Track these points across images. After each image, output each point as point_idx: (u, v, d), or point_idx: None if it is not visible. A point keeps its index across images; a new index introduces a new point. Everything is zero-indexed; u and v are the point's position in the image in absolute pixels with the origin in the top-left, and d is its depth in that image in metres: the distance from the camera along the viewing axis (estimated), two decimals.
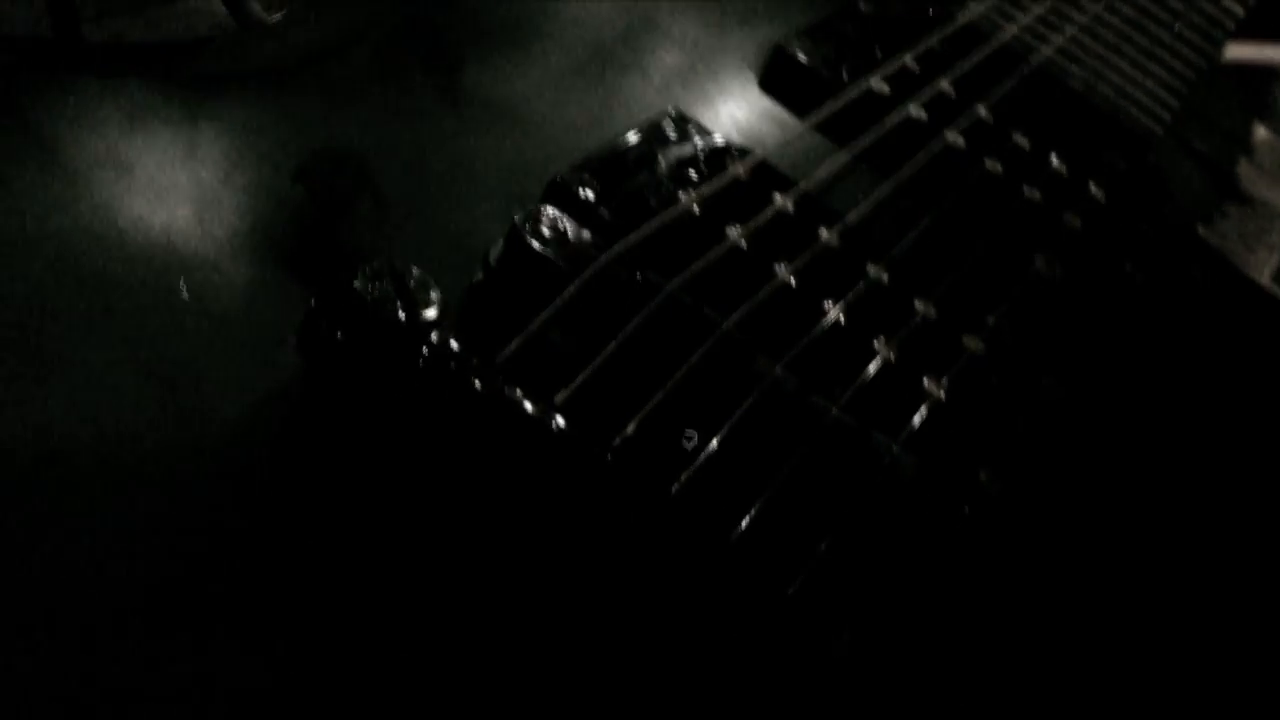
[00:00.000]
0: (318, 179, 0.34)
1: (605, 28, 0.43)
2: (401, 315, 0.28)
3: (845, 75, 0.43)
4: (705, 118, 0.41)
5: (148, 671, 0.24)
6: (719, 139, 0.38)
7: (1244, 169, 0.69)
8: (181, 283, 0.30)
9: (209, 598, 0.25)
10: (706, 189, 0.35)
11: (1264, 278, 0.60)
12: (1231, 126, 0.75)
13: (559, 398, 0.28)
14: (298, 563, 0.26)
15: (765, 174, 0.37)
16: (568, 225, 0.32)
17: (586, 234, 0.32)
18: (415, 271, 0.29)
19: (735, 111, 0.42)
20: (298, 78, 0.37)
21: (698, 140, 0.38)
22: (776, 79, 0.43)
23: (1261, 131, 0.73)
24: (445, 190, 0.35)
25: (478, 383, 0.28)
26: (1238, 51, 0.64)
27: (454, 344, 0.28)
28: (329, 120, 0.36)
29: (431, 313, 0.28)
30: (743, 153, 0.38)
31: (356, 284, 0.28)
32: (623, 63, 0.42)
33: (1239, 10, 0.57)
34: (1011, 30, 0.47)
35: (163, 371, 0.29)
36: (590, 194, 0.34)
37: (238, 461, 0.27)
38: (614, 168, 0.36)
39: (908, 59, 0.44)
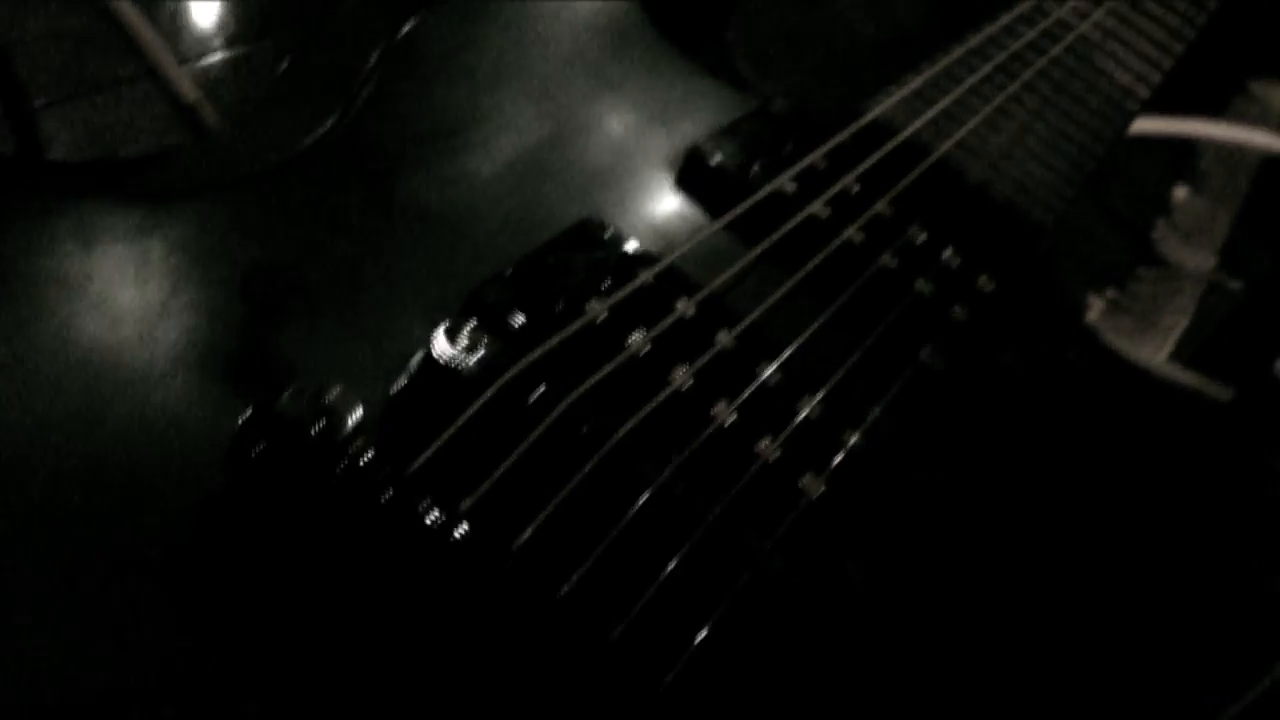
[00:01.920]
0: (256, 292, 0.37)
1: (532, 133, 0.46)
2: (321, 432, 0.31)
3: (755, 174, 0.47)
4: (624, 220, 0.44)
5: None
6: (631, 244, 0.42)
7: (1161, 231, 0.73)
8: None
9: (146, 701, 0.28)
10: (614, 298, 0.39)
11: (1169, 343, 0.64)
12: (1153, 188, 0.79)
13: (464, 505, 0.32)
14: (228, 664, 0.30)
15: (672, 279, 0.41)
16: (484, 337, 0.36)
17: (501, 345, 0.36)
18: (337, 389, 0.32)
19: (652, 213, 0.45)
20: (241, 191, 0.41)
21: (611, 247, 0.41)
22: (691, 179, 0.47)
23: (1181, 192, 0.76)
24: (375, 299, 0.39)
25: (387, 494, 0.31)
26: (1146, 125, 0.68)
27: (368, 457, 0.32)
28: (269, 232, 0.39)
29: (349, 428, 0.32)
30: (653, 259, 0.41)
31: (281, 404, 0.32)
32: (547, 168, 0.45)
33: (1143, 92, 0.60)
34: (916, 125, 0.51)
35: (105, 482, 0.32)
36: (508, 304, 0.38)
37: (174, 568, 0.31)
38: (531, 278, 0.39)
39: (815, 157, 0.48)
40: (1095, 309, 0.64)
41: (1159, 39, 0.63)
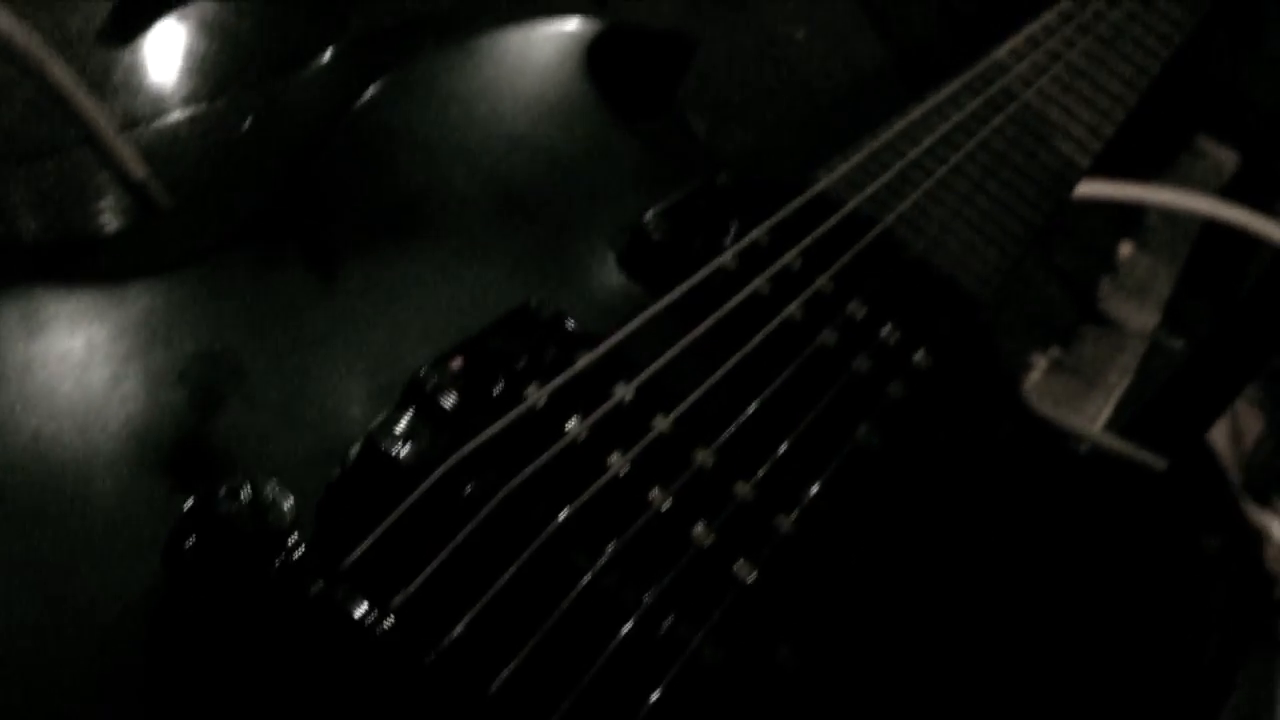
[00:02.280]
0: (197, 380, 0.38)
1: (479, 214, 0.47)
2: (253, 529, 0.32)
3: (698, 251, 0.47)
4: (567, 299, 0.45)
5: None
6: (571, 326, 0.42)
7: (1105, 288, 0.74)
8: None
9: None
10: (552, 384, 0.39)
11: (1110, 404, 0.65)
12: (1100, 243, 0.80)
13: (396, 601, 0.32)
14: None
15: (611, 362, 0.41)
16: (421, 427, 0.36)
17: (438, 436, 0.36)
18: (270, 485, 0.33)
19: (596, 293, 0.46)
20: (188, 274, 0.41)
21: (551, 329, 0.42)
22: (635, 257, 0.48)
23: (1127, 249, 0.78)
24: (316, 385, 0.39)
25: (314, 589, 0.31)
26: (1090, 189, 0.70)
27: (298, 554, 0.32)
28: (214, 318, 0.40)
29: (282, 525, 0.32)
30: (594, 341, 0.42)
31: (215, 499, 0.32)
32: (494, 248, 0.46)
33: (1085, 161, 0.62)
34: (858, 199, 0.52)
35: (41, 576, 0.32)
36: (447, 391, 0.38)
37: (108, 663, 0.31)
38: (470, 363, 0.40)
39: (757, 232, 0.49)
40: (1038, 369, 0.65)
41: (1102, 106, 0.65)
